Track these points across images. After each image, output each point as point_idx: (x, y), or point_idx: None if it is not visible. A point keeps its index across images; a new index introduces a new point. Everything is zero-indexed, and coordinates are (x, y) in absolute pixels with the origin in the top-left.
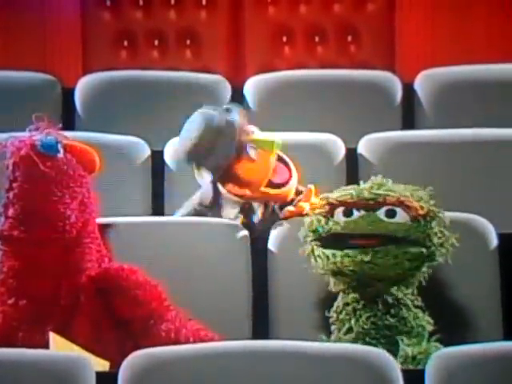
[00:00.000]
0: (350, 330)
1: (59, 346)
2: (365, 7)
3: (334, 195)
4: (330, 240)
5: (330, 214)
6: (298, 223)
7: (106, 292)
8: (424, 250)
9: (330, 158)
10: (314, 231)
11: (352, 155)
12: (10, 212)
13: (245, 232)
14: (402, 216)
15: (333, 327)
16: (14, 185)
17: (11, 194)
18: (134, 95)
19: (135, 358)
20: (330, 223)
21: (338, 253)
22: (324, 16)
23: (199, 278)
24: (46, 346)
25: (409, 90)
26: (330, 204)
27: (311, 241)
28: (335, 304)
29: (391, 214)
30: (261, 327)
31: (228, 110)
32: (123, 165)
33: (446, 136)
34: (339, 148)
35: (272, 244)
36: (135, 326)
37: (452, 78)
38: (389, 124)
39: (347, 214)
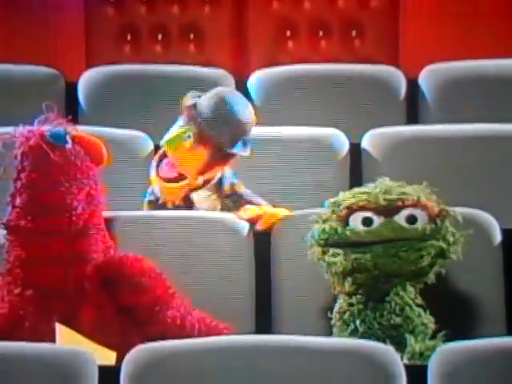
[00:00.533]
0: (355, 331)
1: (65, 338)
2: (369, 2)
3: (348, 200)
4: (347, 244)
5: (345, 222)
6: (300, 220)
7: (111, 280)
8: (444, 245)
9: (334, 153)
10: (327, 239)
11: (356, 150)
12: (17, 201)
13: (248, 227)
14: (421, 219)
15: (334, 329)
16: (22, 174)
17: (19, 184)
18: (138, 89)
19: (138, 353)
20: (348, 233)
21: (359, 249)
22: (328, 11)
23: (201, 273)
24: (52, 335)
25: (413, 85)
26: (346, 211)
27: (324, 246)
28: (336, 305)
29: (412, 219)
30: (264, 322)
31: None
32: (126, 159)
33: (450, 131)
34: (343, 143)
35: (275, 240)
36: (141, 313)
37: (456, 73)
38: (393, 119)
39: (367, 222)
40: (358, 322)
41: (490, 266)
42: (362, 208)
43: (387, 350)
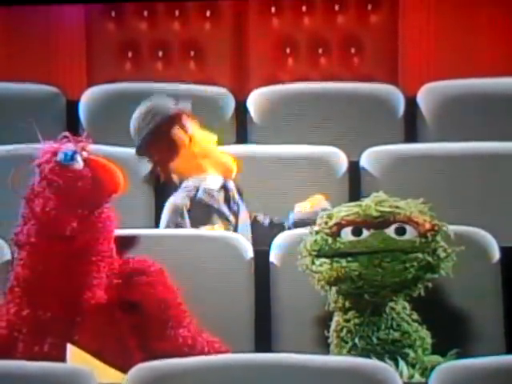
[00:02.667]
0: (353, 347)
1: (76, 358)
2: (368, 20)
3: (340, 213)
4: (336, 255)
5: (336, 234)
6: (299, 236)
7: (131, 298)
8: (430, 259)
9: (333, 171)
10: (319, 250)
11: (355, 168)
12: (25, 218)
13: (248, 245)
14: (410, 232)
15: (332, 347)
16: (32, 190)
17: (28, 200)
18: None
19: (138, 371)
20: (338, 244)
21: (346, 259)
22: (327, 28)
23: (201, 291)
24: (44, 357)
25: (411, 103)
26: (337, 224)
27: (315, 256)
28: (333, 323)
29: (401, 231)
30: (263, 341)
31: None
32: (127, 177)
33: (448, 149)
34: (342, 161)
35: (274, 257)
36: (153, 327)
37: (454, 91)
38: (391, 137)
39: (356, 232)
40: (356, 338)
41: (488, 284)
42: (354, 222)
43: (385, 367)
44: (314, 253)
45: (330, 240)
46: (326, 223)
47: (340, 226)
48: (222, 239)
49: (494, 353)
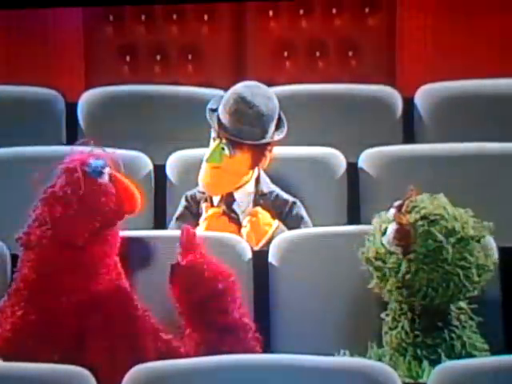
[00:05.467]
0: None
1: None
2: (366, 22)
3: None
4: None
5: None
6: (298, 236)
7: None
8: None
9: (332, 172)
10: None
11: (353, 169)
12: (38, 218)
13: (246, 245)
14: None
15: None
16: (55, 195)
17: (44, 201)
18: (137, 110)
19: (137, 372)
20: None
21: None
22: (325, 31)
23: None
24: (50, 360)
25: (409, 104)
26: None
27: None
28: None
29: None
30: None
31: None
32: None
33: (446, 150)
34: (340, 162)
35: (273, 257)
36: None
37: (451, 92)
38: (389, 138)
39: None
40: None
41: (487, 284)
42: None
43: (385, 368)
44: None
45: None
46: None
47: None
48: (220, 239)
49: (492, 353)
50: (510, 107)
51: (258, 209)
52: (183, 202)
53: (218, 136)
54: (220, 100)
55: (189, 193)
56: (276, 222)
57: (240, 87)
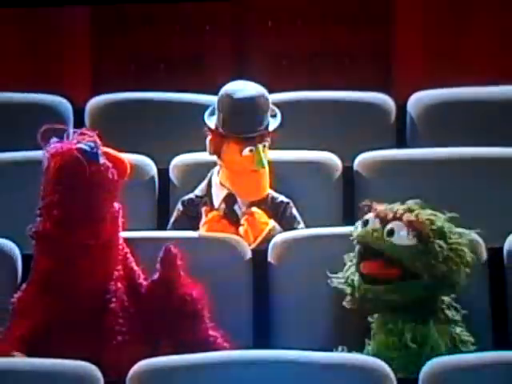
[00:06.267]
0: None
1: None
2: (361, 31)
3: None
4: None
5: None
6: (297, 237)
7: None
8: None
9: (328, 175)
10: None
11: (348, 172)
12: (54, 213)
13: (246, 245)
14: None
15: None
16: (58, 187)
17: (55, 196)
18: (141, 116)
19: (142, 367)
20: None
21: None
22: (322, 41)
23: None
24: (77, 357)
25: (402, 110)
26: None
27: None
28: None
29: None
30: (262, 337)
31: None
32: (130, 181)
33: (437, 154)
34: (336, 165)
35: (272, 257)
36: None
37: (441, 99)
38: (383, 143)
39: None
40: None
41: (476, 284)
42: None
43: (379, 363)
44: None
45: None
46: None
47: None
48: (220, 240)
49: (481, 349)
50: (496, 113)
51: (254, 208)
52: (180, 207)
53: (250, 144)
54: (212, 114)
55: (185, 197)
56: (272, 222)
57: (230, 91)
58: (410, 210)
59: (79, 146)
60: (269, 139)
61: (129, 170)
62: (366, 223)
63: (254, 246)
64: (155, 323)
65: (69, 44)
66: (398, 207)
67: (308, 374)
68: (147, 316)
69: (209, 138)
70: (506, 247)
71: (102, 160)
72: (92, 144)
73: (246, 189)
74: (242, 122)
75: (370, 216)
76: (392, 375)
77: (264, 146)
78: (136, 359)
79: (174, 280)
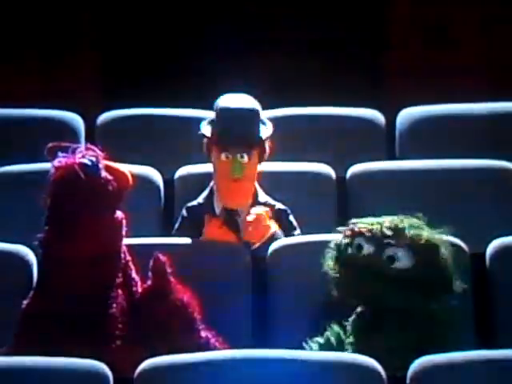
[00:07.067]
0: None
1: None
2: (350, 47)
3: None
4: None
5: None
6: (296, 242)
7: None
8: None
9: (321, 187)
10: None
11: (341, 184)
12: (55, 224)
13: (246, 249)
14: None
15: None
16: (59, 200)
17: (56, 210)
18: (149, 130)
19: (150, 365)
20: None
21: None
22: (315, 60)
23: (200, 292)
24: (75, 352)
25: (392, 125)
26: None
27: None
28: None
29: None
30: (260, 336)
31: None
32: (137, 191)
33: (425, 165)
34: (330, 176)
35: (271, 261)
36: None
37: (428, 115)
38: (374, 155)
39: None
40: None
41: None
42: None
43: (369, 361)
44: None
45: None
46: None
47: None
48: (220, 244)
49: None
50: (483, 127)
51: (259, 209)
52: (184, 213)
53: (227, 150)
54: (209, 123)
55: (189, 204)
56: (275, 225)
57: (222, 102)
58: (400, 229)
59: (81, 160)
60: (255, 152)
61: (131, 182)
62: (359, 247)
63: (256, 246)
64: (150, 327)
65: (81, 64)
66: (384, 228)
67: (305, 373)
68: (143, 321)
69: (204, 141)
70: (488, 253)
71: (103, 173)
72: (93, 158)
73: (227, 195)
74: (221, 129)
75: (361, 240)
76: (383, 373)
77: (242, 157)
78: (134, 362)
79: (165, 286)
